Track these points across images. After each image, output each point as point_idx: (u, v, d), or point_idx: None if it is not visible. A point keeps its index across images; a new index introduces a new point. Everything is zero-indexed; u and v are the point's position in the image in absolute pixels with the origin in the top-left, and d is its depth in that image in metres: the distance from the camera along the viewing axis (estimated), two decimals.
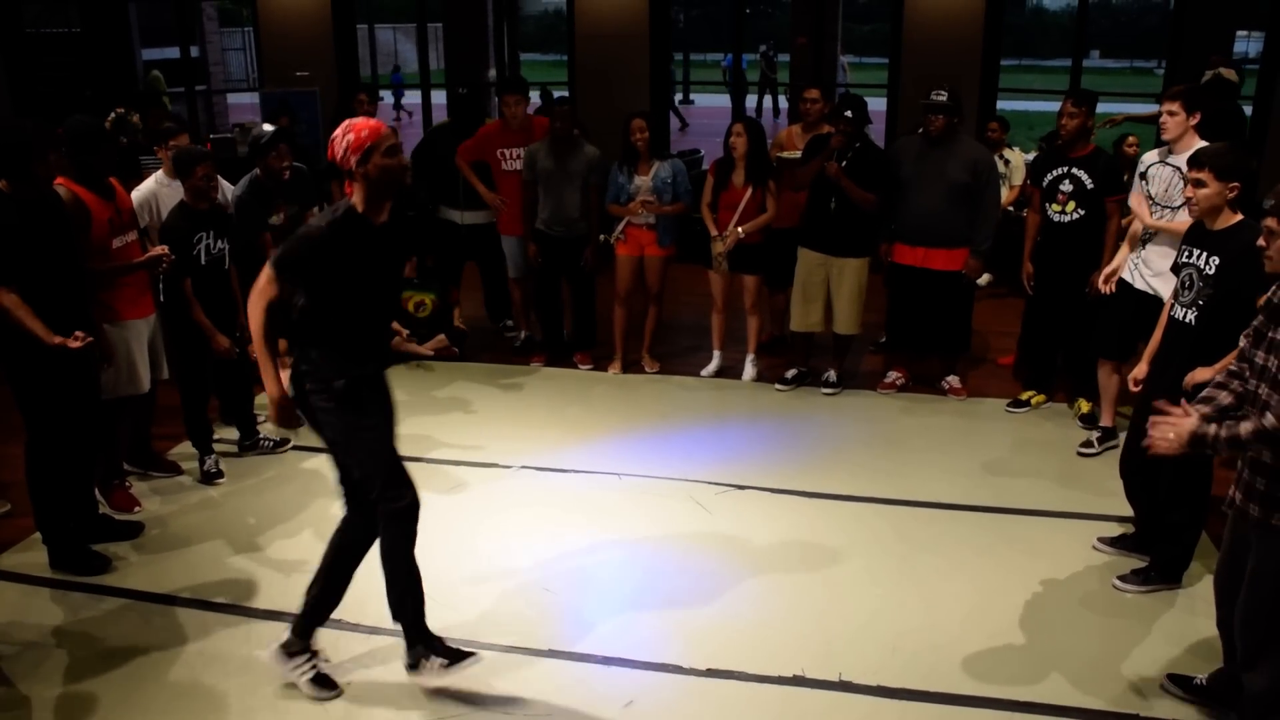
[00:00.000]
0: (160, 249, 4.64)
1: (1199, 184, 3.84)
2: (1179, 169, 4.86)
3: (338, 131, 3.33)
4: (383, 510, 3.44)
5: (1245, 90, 8.98)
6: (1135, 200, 5.14)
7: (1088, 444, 5.61)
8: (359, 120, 3.36)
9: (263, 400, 5.79)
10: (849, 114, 5.99)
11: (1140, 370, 4.28)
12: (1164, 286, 4.84)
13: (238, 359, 5.19)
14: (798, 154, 6.45)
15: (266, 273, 3.33)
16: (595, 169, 6.55)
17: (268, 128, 5.68)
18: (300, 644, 3.62)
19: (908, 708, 3.55)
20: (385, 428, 3.50)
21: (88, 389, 4.33)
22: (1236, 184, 3.80)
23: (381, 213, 3.37)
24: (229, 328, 5.10)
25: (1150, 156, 5.13)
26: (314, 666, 3.61)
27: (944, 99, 5.84)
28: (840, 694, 3.62)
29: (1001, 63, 9.65)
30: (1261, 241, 3.08)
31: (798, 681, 3.68)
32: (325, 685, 3.60)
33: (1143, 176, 5.10)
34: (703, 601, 4.19)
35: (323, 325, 3.38)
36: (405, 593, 3.54)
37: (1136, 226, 5.13)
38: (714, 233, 6.34)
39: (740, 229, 6.22)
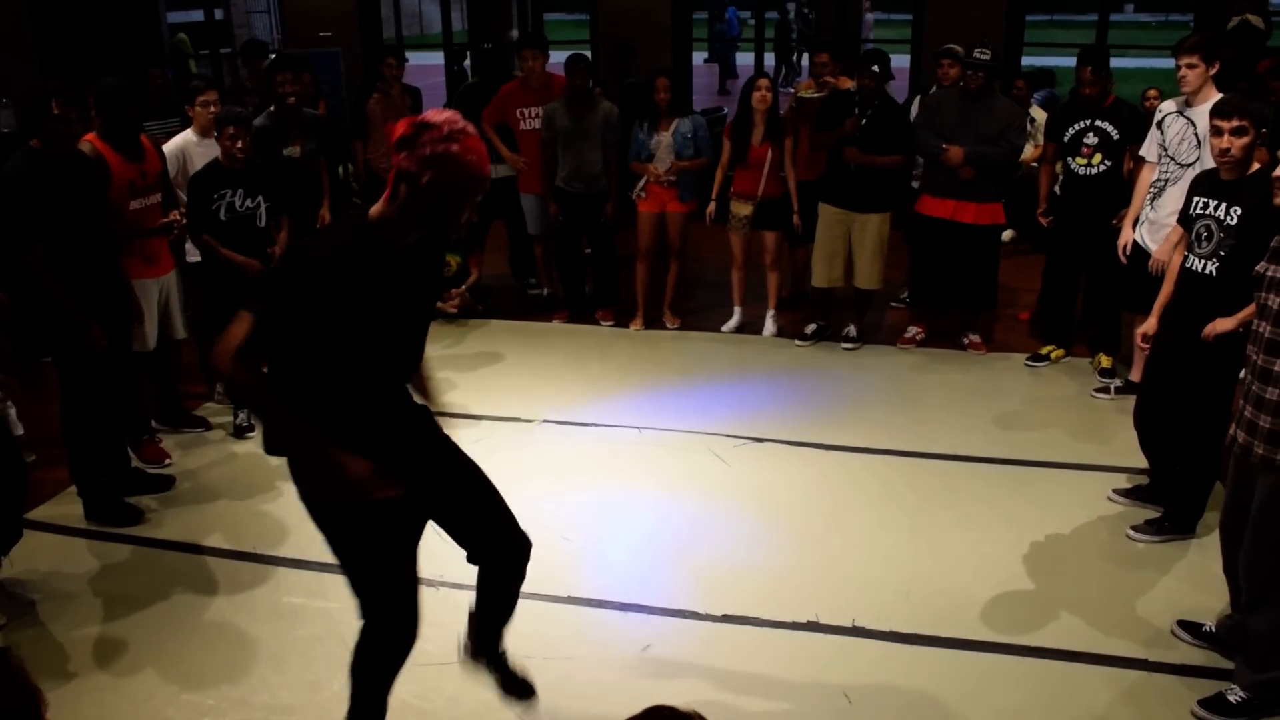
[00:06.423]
0: (171, 215, 4.69)
1: (1241, 131, 3.77)
2: (1193, 122, 4.82)
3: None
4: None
5: (1274, 41, 8.79)
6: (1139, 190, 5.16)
7: (1103, 389, 5.64)
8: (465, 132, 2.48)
9: None
10: (875, 69, 5.98)
11: (1150, 325, 4.23)
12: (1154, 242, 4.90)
13: None
14: (817, 93, 6.44)
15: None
16: (613, 126, 6.56)
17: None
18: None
19: (919, 652, 3.62)
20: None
21: (118, 345, 4.42)
22: (1265, 130, 3.79)
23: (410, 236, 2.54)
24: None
25: (1168, 105, 5.08)
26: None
27: (987, 58, 5.79)
28: (853, 639, 3.68)
29: (1030, 18, 9.51)
30: (1277, 172, 3.07)
31: (811, 627, 3.75)
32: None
33: (1159, 125, 5.06)
34: (718, 550, 4.26)
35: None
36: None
37: (1144, 177, 5.13)
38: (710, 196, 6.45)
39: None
